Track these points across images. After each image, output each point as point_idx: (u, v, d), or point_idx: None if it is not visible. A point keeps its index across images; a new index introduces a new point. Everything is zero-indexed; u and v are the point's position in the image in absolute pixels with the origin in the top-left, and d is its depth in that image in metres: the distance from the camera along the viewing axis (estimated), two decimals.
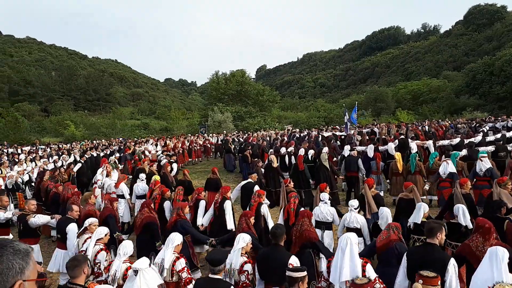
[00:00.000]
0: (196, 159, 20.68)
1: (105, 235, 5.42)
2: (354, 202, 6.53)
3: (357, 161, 11.20)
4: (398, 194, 8.02)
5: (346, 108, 21.59)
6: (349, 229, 6.23)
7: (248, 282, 4.46)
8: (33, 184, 12.93)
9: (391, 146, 12.28)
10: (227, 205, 7.13)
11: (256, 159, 14.38)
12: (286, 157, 13.75)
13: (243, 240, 4.64)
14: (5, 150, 23.87)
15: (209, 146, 22.58)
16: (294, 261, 4.31)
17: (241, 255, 4.56)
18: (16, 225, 7.06)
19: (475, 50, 79.00)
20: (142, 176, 10.00)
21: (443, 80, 62.31)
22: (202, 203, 7.73)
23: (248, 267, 4.48)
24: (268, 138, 21.34)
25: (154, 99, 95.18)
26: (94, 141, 28.41)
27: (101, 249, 5.25)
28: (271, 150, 15.23)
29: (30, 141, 34.24)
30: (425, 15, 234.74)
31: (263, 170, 11.63)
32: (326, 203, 6.90)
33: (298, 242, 5.29)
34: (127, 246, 4.75)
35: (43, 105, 63.29)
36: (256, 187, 7.97)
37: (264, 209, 6.77)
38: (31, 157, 17.70)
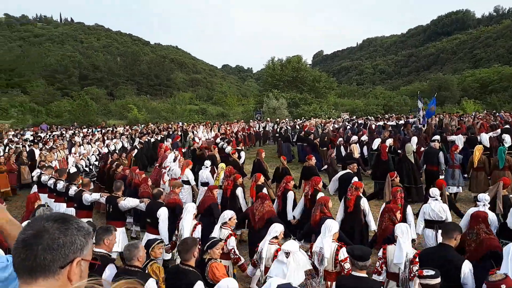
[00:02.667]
0: (250, 145, 20.85)
1: (230, 219, 5.49)
2: (486, 196, 6.01)
3: (438, 154, 10.18)
4: (479, 190, 7.41)
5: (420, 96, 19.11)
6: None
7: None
8: (90, 167, 13.70)
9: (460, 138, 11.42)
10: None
11: (324, 148, 14.23)
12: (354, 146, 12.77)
13: (330, 228, 4.73)
14: (75, 131, 25.57)
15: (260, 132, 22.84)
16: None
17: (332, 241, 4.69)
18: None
19: None
20: (207, 163, 9.90)
21: None
22: (291, 194, 7.38)
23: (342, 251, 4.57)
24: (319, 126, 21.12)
25: (211, 85, 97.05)
26: (151, 125, 29.36)
27: (230, 234, 5.33)
28: (340, 139, 14.53)
29: (98, 123, 36.52)
30: None
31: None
32: (437, 199, 6.36)
33: (479, 252, 4.57)
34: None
35: (109, 89, 66.86)
36: (355, 179, 7.64)
37: (364, 203, 6.50)
38: (87, 140, 18.40)
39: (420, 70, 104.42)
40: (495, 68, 60.34)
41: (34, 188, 10.14)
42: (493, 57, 79.84)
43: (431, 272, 3.51)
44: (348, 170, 8.46)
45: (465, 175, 10.48)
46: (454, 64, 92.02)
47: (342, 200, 6.78)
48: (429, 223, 6.20)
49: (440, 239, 5.26)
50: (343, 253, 4.48)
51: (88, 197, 7.30)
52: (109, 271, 4.06)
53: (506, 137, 10.42)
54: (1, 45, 72.81)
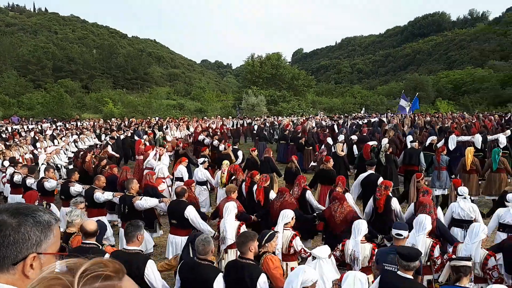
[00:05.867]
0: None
1: (292, 218, 5.26)
2: None
3: (418, 153, 10.26)
4: (471, 193, 7.19)
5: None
6: (505, 226, 5.73)
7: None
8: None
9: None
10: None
11: (310, 147, 14.05)
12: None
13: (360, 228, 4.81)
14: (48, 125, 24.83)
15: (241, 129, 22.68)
16: None
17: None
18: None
19: None
20: (200, 160, 9.66)
21: (488, 70, 59.25)
22: (310, 194, 7.27)
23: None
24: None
25: (190, 80, 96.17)
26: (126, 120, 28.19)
27: (295, 235, 5.18)
28: (329, 138, 14.42)
29: (72, 116, 35.63)
30: (473, 0, 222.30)
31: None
32: (465, 198, 6.19)
33: None
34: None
35: (84, 82, 65.32)
36: (381, 179, 7.39)
37: (395, 203, 6.37)
38: (54, 135, 17.67)
39: (396, 70, 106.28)
40: (468, 70, 61.95)
41: (7, 188, 9.72)
42: (467, 60, 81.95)
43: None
44: (370, 171, 8.02)
45: (452, 176, 10.44)
46: (430, 65, 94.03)
47: (371, 200, 6.56)
48: (458, 222, 6.05)
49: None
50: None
51: (100, 196, 6.85)
52: (150, 268, 3.97)
53: (501, 138, 10.31)
54: None
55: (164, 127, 20.52)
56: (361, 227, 4.78)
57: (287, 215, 5.17)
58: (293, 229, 5.27)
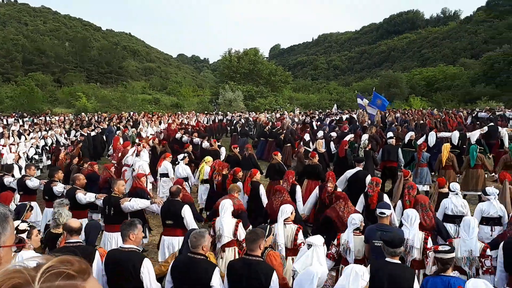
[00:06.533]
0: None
1: (291, 213, 5.22)
2: (495, 190, 6.11)
3: (397, 150, 10.37)
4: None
5: (360, 93, 19.85)
6: (489, 219, 5.92)
7: None
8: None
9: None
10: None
11: (288, 144, 14.00)
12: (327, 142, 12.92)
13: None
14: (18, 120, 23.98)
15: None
16: None
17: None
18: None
19: (495, 38, 76.67)
20: (180, 156, 9.55)
21: (459, 68, 61.00)
22: (299, 189, 7.22)
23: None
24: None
25: (166, 74, 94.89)
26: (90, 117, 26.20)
27: (299, 228, 5.15)
28: (306, 134, 14.44)
29: (43, 111, 34.61)
30: None
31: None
32: (457, 194, 6.34)
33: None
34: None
35: (56, 76, 63.48)
36: (369, 177, 7.39)
37: (387, 199, 6.39)
38: (21, 131, 16.88)
39: (371, 67, 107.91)
40: (440, 68, 63.52)
41: None
42: (439, 57, 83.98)
43: (446, 248, 3.79)
44: (358, 168, 8.01)
45: (433, 173, 10.51)
46: (404, 62, 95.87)
47: (361, 197, 6.59)
48: (451, 218, 6.15)
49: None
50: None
51: (82, 198, 6.46)
52: (146, 267, 3.89)
53: (473, 135, 10.67)
54: None
55: (138, 122, 20.00)
56: (354, 218, 4.96)
57: (286, 211, 5.17)
58: (294, 223, 5.28)
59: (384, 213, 4.91)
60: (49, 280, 0.88)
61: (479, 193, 8.51)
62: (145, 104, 44.73)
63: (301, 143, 13.08)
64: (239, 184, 7.60)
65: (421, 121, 17.13)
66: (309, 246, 4.16)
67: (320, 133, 13.74)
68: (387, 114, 21.40)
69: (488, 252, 4.48)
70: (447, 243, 4.78)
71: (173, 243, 5.70)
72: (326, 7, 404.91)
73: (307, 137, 13.88)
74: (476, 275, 4.40)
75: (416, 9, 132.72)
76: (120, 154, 11.17)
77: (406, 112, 23.72)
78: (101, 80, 71.65)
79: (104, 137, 17.25)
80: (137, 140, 14.26)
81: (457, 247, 4.55)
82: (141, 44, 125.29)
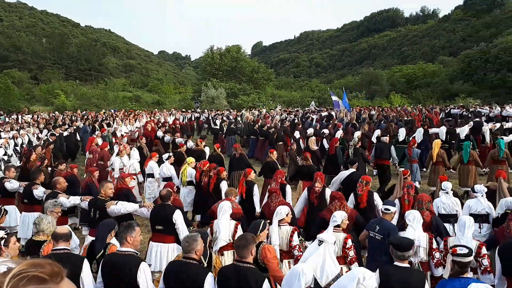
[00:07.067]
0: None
1: (286, 214, 5.09)
2: (483, 187, 6.15)
3: (389, 148, 10.36)
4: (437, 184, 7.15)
5: (332, 91, 21.73)
6: (476, 216, 5.86)
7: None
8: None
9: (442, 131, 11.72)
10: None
11: (281, 142, 13.86)
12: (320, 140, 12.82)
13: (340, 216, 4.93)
14: None
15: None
16: None
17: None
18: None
19: (473, 36, 78.48)
20: (165, 156, 9.37)
21: (438, 65, 62.07)
22: (289, 188, 7.08)
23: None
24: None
25: (147, 71, 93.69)
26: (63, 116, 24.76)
27: (295, 229, 5.08)
28: (296, 132, 14.44)
29: (19, 109, 33.68)
30: None
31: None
32: (447, 192, 6.27)
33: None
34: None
35: (33, 73, 61.92)
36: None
37: (377, 198, 6.40)
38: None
39: (353, 64, 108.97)
40: (420, 65, 64.47)
41: None
42: (419, 55, 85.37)
43: (465, 251, 3.69)
44: (352, 170, 7.89)
45: (424, 169, 10.62)
46: (384, 59, 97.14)
47: (351, 197, 6.56)
48: (445, 217, 6.03)
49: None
50: (349, 243, 4.77)
51: (66, 201, 6.12)
52: (144, 272, 3.80)
53: (462, 131, 10.86)
54: None
55: (111, 122, 19.30)
56: (336, 215, 4.87)
57: (280, 212, 5.05)
58: (290, 225, 5.19)
59: (389, 210, 5.05)
60: (20, 285, 0.84)
61: (469, 189, 8.57)
62: (126, 101, 44.04)
63: (292, 140, 13.12)
64: (224, 182, 7.54)
65: (405, 118, 17.32)
66: (320, 242, 4.14)
67: (310, 130, 13.55)
68: (362, 112, 21.64)
69: (484, 250, 4.45)
70: (443, 241, 4.85)
71: (162, 250, 5.38)
72: (308, 4, 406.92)
73: (297, 134, 13.91)
74: (474, 275, 4.40)
75: (396, 7, 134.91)
76: (97, 156, 10.80)
77: (382, 109, 23.91)
78: (80, 77, 70.21)
79: (79, 137, 16.57)
80: (113, 140, 13.91)
81: (450, 245, 4.55)
82: (121, 41, 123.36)
